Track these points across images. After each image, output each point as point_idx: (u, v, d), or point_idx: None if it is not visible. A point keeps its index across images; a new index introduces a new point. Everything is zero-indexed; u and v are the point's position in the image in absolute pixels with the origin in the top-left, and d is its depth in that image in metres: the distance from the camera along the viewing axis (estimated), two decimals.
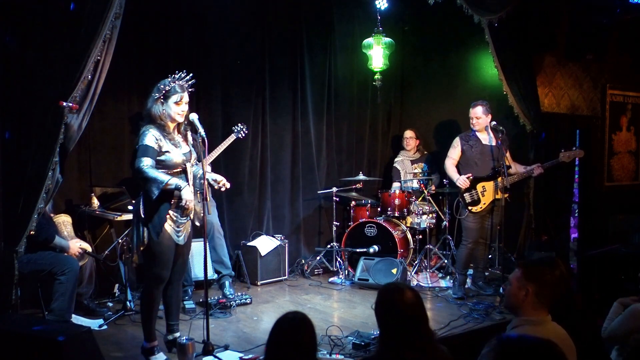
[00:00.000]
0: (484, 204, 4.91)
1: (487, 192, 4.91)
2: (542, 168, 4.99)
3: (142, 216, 3.34)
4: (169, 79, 3.41)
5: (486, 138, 4.99)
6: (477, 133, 5.01)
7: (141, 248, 3.36)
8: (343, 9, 6.41)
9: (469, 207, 4.91)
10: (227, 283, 4.98)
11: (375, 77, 5.91)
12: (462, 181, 4.89)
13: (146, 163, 3.27)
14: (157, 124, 3.37)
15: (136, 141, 3.39)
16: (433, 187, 6.02)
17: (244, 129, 5.13)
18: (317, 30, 6.28)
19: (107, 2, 3.35)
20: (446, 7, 4.86)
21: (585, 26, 5.77)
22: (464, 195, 4.91)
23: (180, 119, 3.44)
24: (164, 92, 3.36)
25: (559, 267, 2.51)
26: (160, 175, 3.28)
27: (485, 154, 4.96)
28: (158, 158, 3.34)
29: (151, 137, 3.32)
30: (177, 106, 3.39)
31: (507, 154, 4.99)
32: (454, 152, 5.05)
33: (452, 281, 5.33)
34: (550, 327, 2.44)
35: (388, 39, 5.78)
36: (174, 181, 3.30)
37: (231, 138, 5.07)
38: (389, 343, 2.17)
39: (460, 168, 5.04)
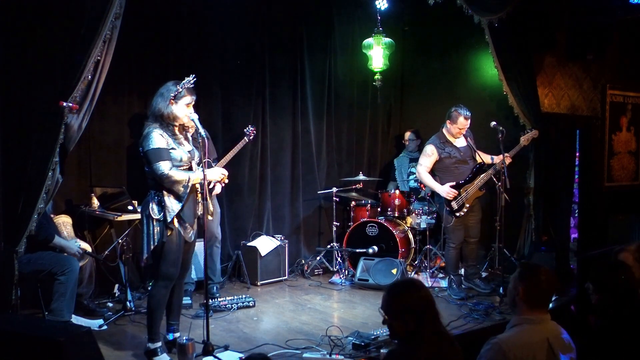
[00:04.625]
0: (467, 206, 4.94)
1: (470, 194, 4.94)
2: (509, 157, 4.95)
3: (153, 216, 3.35)
4: (182, 83, 3.42)
5: (459, 141, 5.06)
6: (449, 138, 5.02)
7: (152, 247, 3.37)
8: (343, 9, 6.41)
9: (456, 214, 4.92)
10: (214, 287, 5.07)
11: (375, 77, 5.90)
12: (451, 194, 4.89)
13: (166, 167, 3.30)
14: (163, 123, 3.40)
15: (141, 143, 3.38)
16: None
17: (252, 130, 5.20)
18: (317, 30, 6.28)
19: (107, 2, 3.35)
20: (446, 8, 4.85)
21: (585, 26, 5.76)
22: (451, 203, 4.92)
23: (186, 121, 3.49)
24: (175, 93, 3.38)
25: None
26: (186, 174, 3.36)
27: (463, 159, 5.01)
28: None
29: (158, 136, 3.33)
30: (187, 108, 3.45)
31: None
32: (429, 161, 5.03)
33: (449, 283, 5.31)
34: (548, 326, 2.46)
35: (388, 39, 5.78)
36: (197, 175, 3.41)
37: (243, 141, 5.14)
38: (409, 337, 2.19)
39: (439, 174, 5.06)
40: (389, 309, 2.24)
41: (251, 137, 5.22)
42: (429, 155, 5.03)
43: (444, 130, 5.07)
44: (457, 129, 4.96)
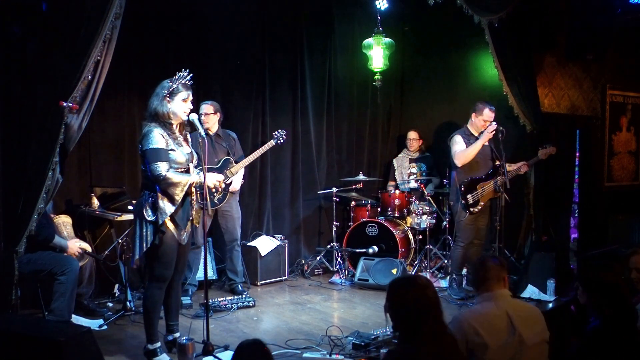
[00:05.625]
0: (482, 204, 4.95)
1: (486, 192, 4.96)
2: (528, 165, 5.19)
3: (147, 217, 3.32)
4: (174, 78, 3.40)
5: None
6: (473, 132, 5.03)
7: (144, 249, 3.33)
8: (343, 9, 6.42)
9: (470, 209, 4.92)
10: (239, 287, 5.15)
11: (375, 77, 5.91)
12: (491, 128, 4.85)
13: (164, 168, 3.26)
14: (161, 122, 3.37)
15: (140, 141, 3.36)
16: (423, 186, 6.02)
17: (284, 135, 5.15)
18: (317, 30, 6.28)
19: (107, 2, 3.35)
20: (446, 8, 4.85)
21: (585, 26, 5.75)
22: (467, 196, 4.92)
23: (185, 117, 3.45)
24: (170, 90, 3.36)
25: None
26: (183, 177, 3.32)
27: (485, 155, 5.00)
28: None
29: (158, 136, 3.30)
30: (184, 104, 3.41)
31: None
32: (462, 145, 5.00)
33: (450, 282, 5.31)
34: (508, 301, 2.63)
35: (388, 39, 5.78)
36: (193, 178, 3.38)
37: (270, 144, 5.11)
38: (409, 335, 2.22)
39: (458, 167, 5.03)
40: (388, 302, 2.29)
41: (281, 142, 5.15)
42: (459, 142, 5.01)
43: (468, 125, 5.09)
44: (482, 121, 4.98)
